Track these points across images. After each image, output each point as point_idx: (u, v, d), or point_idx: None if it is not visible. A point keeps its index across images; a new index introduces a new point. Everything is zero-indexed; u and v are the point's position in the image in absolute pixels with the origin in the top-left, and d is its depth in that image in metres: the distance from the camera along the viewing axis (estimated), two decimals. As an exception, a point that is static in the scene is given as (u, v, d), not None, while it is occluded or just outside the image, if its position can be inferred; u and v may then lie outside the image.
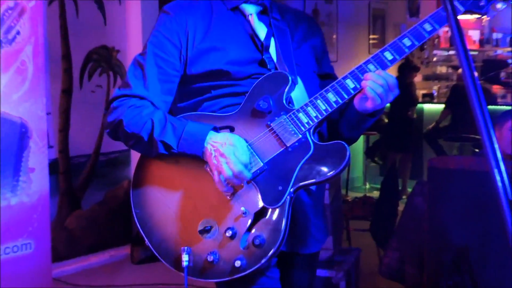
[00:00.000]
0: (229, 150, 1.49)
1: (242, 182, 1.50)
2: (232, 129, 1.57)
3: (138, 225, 1.59)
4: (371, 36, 7.25)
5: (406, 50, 1.49)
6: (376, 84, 1.47)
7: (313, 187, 1.67)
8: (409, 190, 5.77)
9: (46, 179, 3.27)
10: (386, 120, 6.11)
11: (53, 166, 3.98)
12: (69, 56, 4.18)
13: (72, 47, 4.19)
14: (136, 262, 4.29)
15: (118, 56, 4.51)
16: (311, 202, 1.70)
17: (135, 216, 1.60)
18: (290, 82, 1.51)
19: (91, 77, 4.31)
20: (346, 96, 1.50)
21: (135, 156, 5.11)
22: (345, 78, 1.50)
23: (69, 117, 4.17)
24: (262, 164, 1.52)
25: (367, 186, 6.88)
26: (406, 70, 6.03)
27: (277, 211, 1.50)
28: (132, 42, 4.50)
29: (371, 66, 1.49)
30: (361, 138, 6.31)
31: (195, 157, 1.53)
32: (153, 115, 1.56)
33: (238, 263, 1.48)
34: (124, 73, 4.59)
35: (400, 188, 5.93)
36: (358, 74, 1.49)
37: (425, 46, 7.34)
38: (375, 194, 5.93)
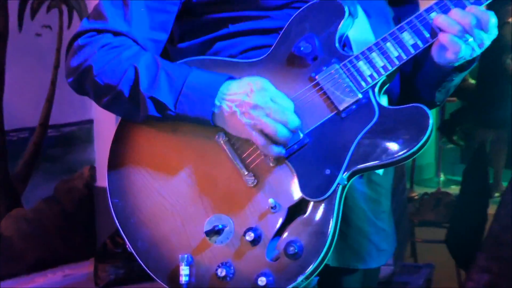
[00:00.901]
0: (262, 96, 1.50)
1: (297, 130, 1.51)
2: None
3: (117, 222, 1.61)
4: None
5: None
6: (454, 22, 1.46)
7: (376, 173, 1.67)
8: (504, 184, 5.74)
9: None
10: (472, 81, 6.02)
11: (-19, 145, 4.09)
12: (2, -17, 4.22)
13: (7, -31, 4.22)
14: (102, 285, 4.33)
15: (75, -18, 4.55)
16: (372, 194, 1.70)
17: (112, 209, 1.62)
18: (346, 14, 1.52)
19: (35, 14, 4.33)
20: (430, 38, 1.50)
21: (101, 129, 5.00)
22: (429, 10, 1.50)
23: (3, 72, 4.18)
24: (301, 135, 1.52)
25: (442, 178, 6.84)
26: (497, 3, 5.86)
27: (322, 206, 1.50)
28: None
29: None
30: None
31: (202, 123, 1.54)
32: (137, 59, 1.57)
33: (262, 281, 1.49)
34: (84, 8, 4.57)
35: (491, 181, 5.91)
36: (448, 5, 1.49)
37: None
38: (454, 189, 5.83)
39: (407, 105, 1.52)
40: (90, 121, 4.52)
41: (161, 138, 1.60)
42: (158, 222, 1.59)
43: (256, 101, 1.50)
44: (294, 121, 1.50)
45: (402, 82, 1.71)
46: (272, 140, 1.50)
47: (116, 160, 1.64)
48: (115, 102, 1.59)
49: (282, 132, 1.49)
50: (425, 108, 1.50)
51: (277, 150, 1.51)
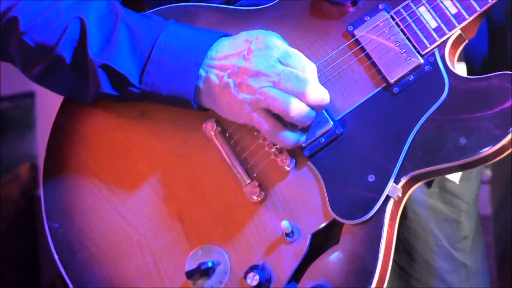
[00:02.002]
0: (266, 56, 1.48)
1: (323, 107, 1.48)
2: None
3: (57, 258, 1.60)
4: None
5: None
6: None
7: (452, 179, 1.68)
8: None
9: None
10: None
11: None
12: None
13: None
14: None
15: None
16: (447, 211, 1.71)
17: (49, 238, 1.61)
18: None
19: None
20: None
21: (46, 106, 4.95)
22: None
23: None
24: (331, 124, 1.50)
25: None
26: None
27: (363, 231, 1.48)
28: None
29: None
30: None
31: (181, 104, 1.53)
32: (85, 8, 1.56)
33: None
34: None
35: None
36: None
37: None
38: None
39: (492, 74, 1.47)
40: (30, 94, 4.45)
41: (122, 130, 1.60)
42: (117, 258, 1.58)
43: (257, 65, 1.47)
44: (317, 91, 1.46)
45: (492, 38, 1.69)
46: (284, 122, 1.48)
47: (56, 164, 1.63)
48: (52, 73, 1.58)
49: (299, 109, 1.46)
50: None
51: (293, 137, 1.48)
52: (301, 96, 1.46)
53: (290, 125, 1.49)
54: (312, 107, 1.47)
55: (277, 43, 1.48)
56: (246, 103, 1.49)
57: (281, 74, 1.46)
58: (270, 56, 1.48)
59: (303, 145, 1.51)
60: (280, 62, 1.48)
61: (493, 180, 3.07)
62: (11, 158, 4.56)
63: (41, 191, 1.65)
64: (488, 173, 3.13)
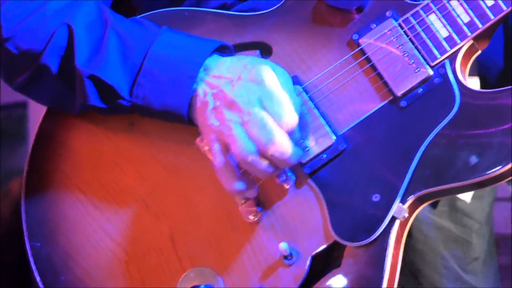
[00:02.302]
0: (248, 91, 1.46)
1: (279, 169, 1.47)
2: (266, 50, 1.55)
3: (39, 280, 1.60)
4: None
5: None
6: None
7: (463, 197, 1.67)
8: None
9: None
10: None
11: None
12: None
13: None
14: None
15: None
16: (457, 231, 1.71)
17: (31, 258, 1.61)
18: None
19: None
20: None
21: (40, 117, 5.19)
22: None
23: None
24: (334, 139, 1.49)
25: None
26: None
27: (367, 253, 1.46)
28: None
29: None
30: None
31: (173, 119, 1.52)
32: (72, 14, 1.55)
33: None
34: None
35: None
36: None
37: None
38: None
39: (506, 88, 1.45)
40: (23, 104, 4.47)
41: (109, 142, 1.59)
42: (104, 280, 1.57)
43: (236, 95, 1.46)
44: (281, 148, 1.44)
45: (508, 49, 1.68)
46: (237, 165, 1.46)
47: (38, 178, 1.63)
48: (37, 82, 1.57)
49: (253, 160, 1.44)
50: None
51: (238, 187, 1.46)
52: (261, 147, 1.44)
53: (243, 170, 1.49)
54: (271, 163, 1.46)
55: (267, 80, 1.47)
56: (213, 130, 1.48)
57: (251, 116, 1.45)
58: (253, 91, 1.47)
59: (303, 161, 1.50)
60: (259, 100, 1.46)
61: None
62: (1, 172, 4.55)
63: (22, 207, 1.65)
64: (510, 188, 3.14)
